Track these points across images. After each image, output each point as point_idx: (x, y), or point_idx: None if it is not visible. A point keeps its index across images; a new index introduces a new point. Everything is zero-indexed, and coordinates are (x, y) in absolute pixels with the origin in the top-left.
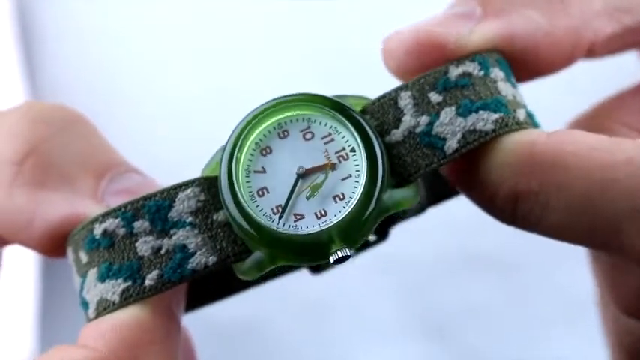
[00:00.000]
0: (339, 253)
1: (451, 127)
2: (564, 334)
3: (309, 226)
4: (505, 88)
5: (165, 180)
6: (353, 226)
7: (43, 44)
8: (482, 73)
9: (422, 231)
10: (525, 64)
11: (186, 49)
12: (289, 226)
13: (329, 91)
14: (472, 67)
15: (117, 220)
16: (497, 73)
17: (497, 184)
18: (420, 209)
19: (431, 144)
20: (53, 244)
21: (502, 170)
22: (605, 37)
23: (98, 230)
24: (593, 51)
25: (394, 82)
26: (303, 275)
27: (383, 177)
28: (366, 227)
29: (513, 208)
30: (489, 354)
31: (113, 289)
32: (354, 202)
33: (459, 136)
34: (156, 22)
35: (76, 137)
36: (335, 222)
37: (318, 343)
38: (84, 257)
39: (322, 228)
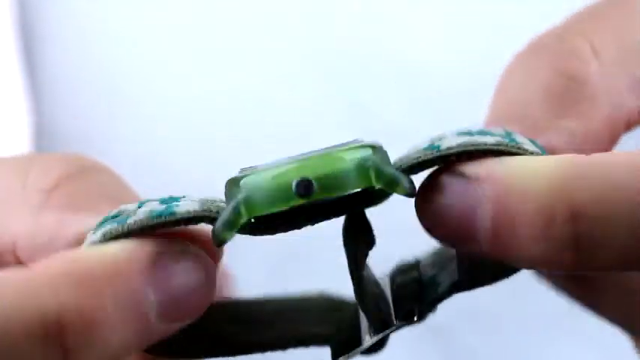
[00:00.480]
0: None
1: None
2: (562, 335)
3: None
4: None
5: (165, 180)
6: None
7: (43, 43)
8: None
9: (418, 232)
10: None
11: (187, 48)
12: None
13: (328, 92)
14: None
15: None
16: None
17: (553, 204)
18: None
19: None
20: None
21: (551, 190)
22: (638, 110)
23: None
24: (631, 125)
25: (393, 82)
26: (300, 276)
27: None
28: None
29: (574, 232)
30: (486, 355)
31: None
32: None
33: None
34: (157, 21)
35: (105, 181)
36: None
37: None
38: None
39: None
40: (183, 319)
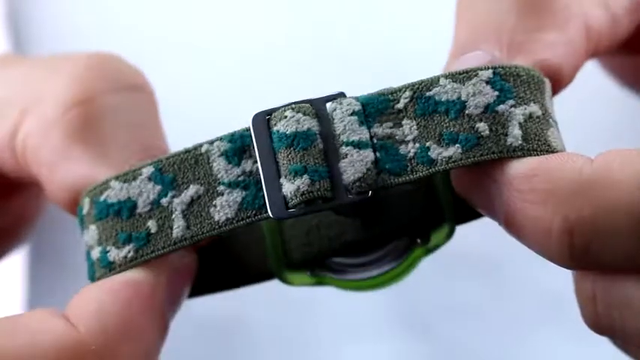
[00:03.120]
0: None
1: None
2: (549, 331)
3: None
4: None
5: None
6: None
7: (39, 42)
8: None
9: None
10: (560, 77)
11: (185, 46)
12: None
13: (329, 89)
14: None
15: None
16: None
17: (549, 218)
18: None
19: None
20: (68, 199)
21: (552, 201)
22: (606, 22)
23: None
24: (602, 38)
25: (391, 78)
26: None
27: None
28: None
29: (571, 243)
30: (473, 351)
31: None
32: None
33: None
34: (156, 20)
35: (133, 105)
36: None
37: (301, 340)
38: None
39: None
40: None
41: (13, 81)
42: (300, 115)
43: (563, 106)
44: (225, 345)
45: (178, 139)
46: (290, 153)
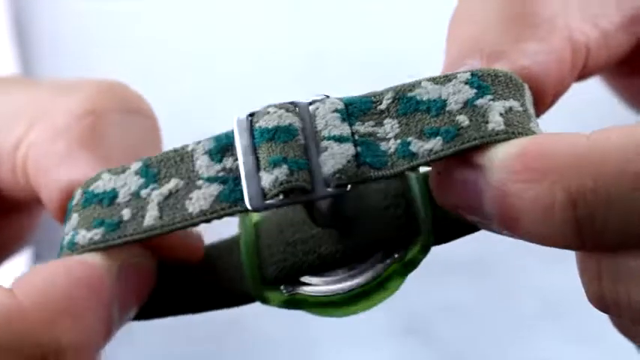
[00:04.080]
0: None
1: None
2: (543, 333)
3: None
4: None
5: None
6: None
7: (40, 43)
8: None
9: None
10: (543, 88)
11: (180, 50)
12: None
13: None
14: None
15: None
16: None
17: (550, 194)
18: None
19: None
20: (64, 200)
21: (551, 175)
22: (595, 37)
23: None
24: (591, 54)
25: (385, 81)
26: None
27: None
28: None
29: (575, 217)
30: (468, 353)
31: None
32: None
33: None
34: (156, 24)
35: (137, 127)
36: None
37: (296, 341)
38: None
39: None
40: (130, 318)
41: (21, 99)
42: (282, 111)
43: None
44: (221, 348)
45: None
46: (270, 146)
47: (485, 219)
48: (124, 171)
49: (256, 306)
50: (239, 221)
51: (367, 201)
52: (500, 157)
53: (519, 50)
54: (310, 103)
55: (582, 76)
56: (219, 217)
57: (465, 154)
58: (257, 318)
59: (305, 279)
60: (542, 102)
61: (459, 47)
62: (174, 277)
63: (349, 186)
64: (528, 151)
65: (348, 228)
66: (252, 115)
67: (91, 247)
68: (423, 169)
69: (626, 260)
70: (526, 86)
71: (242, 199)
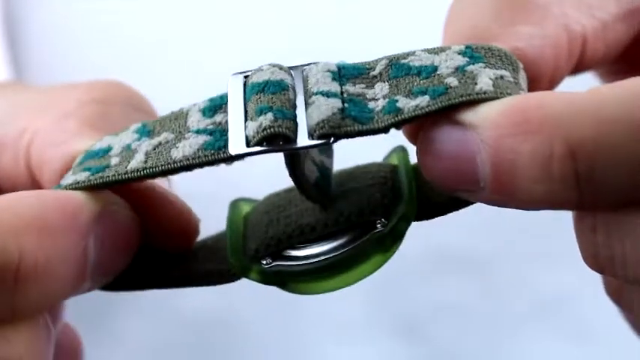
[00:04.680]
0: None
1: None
2: (535, 331)
3: None
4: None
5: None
6: None
7: (29, 39)
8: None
9: None
10: (538, 72)
11: (174, 47)
12: None
13: None
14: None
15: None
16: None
17: (548, 146)
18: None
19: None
20: (60, 173)
21: (549, 126)
22: (592, 27)
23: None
24: (587, 46)
25: None
26: None
27: None
28: None
29: (575, 169)
30: (460, 352)
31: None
32: None
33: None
34: (151, 24)
35: (140, 118)
36: None
37: (288, 339)
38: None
39: None
40: (110, 276)
41: (25, 97)
42: (275, 69)
43: None
44: (211, 345)
45: None
46: (259, 97)
47: (476, 186)
48: (123, 131)
49: (247, 306)
50: (228, 213)
51: (354, 182)
52: (494, 112)
53: (513, 33)
54: (305, 65)
55: (580, 68)
56: (201, 164)
57: (453, 115)
58: (248, 318)
59: (287, 253)
60: (537, 87)
61: (454, 33)
62: (156, 254)
63: (333, 139)
64: (523, 103)
65: (332, 203)
66: (247, 76)
67: (74, 186)
68: (413, 161)
69: (623, 214)
70: (521, 65)
71: (226, 147)
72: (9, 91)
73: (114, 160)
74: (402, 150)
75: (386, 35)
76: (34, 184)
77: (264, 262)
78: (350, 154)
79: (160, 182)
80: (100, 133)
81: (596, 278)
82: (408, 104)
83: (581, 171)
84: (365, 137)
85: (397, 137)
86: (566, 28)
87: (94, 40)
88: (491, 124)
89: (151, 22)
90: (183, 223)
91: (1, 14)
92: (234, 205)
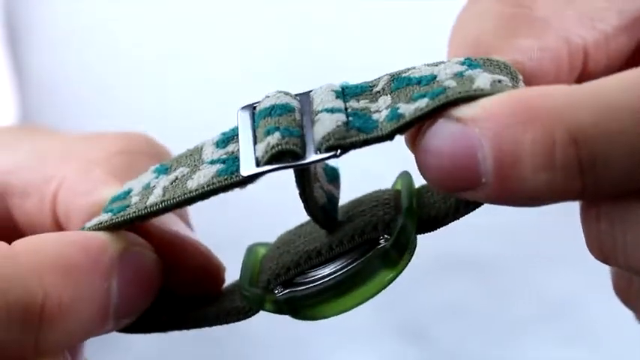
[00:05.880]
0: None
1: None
2: (540, 334)
3: None
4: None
5: None
6: None
7: (29, 42)
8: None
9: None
10: (538, 84)
11: (171, 48)
12: None
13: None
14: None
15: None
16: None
17: (551, 134)
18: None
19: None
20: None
21: (551, 115)
22: (593, 40)
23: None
24: (589, 58)
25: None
26: None
27: None
28: None
29: (578, 156)
30: (465, 355)
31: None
32: None
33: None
34: (143, 21)
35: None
36: None
37: (294, 343)
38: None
39: None
40: (131, 317)
41: (50, 143)
42: (281, 94)
43: None
44: (214, 348)
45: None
46: (267, 121)
47: (478, 182)
48: (142, 173)
49: None
50: (244, 256)
51: (359, 207)
52: (493, 103)
53: (513, 46)
54: (310, 91)
55: (582, 79)
56: (216, 190)
57: (452, 112)
58: (254, 321)
59: (298, 280)
60: None
61: (458, 46)
62: (175, 296)
63: (339, 151)
64: (523, 93)
65: (337, 227)
66: (254, 107)
67: (98, 227)
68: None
69: (626, 202)
70: (520, 77)
71: (238, 170)
72: (36, 136)
73: (134, 199)
74: (406, 175)
75: (386, 35)
76: (59, 230)
77: (277, 291)
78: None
79: (185, 231)
80: (124, 182)
81: (602, 282)
82: (408, 109)
83: (584, 158)
84: (372, 146)
85: (400, 141)
86: (566, 41)
87: (94, 44)
88: (490, 116)
89: (152, 26)
90: (206, 268)
91: (2, 16)
92: (251, 249)
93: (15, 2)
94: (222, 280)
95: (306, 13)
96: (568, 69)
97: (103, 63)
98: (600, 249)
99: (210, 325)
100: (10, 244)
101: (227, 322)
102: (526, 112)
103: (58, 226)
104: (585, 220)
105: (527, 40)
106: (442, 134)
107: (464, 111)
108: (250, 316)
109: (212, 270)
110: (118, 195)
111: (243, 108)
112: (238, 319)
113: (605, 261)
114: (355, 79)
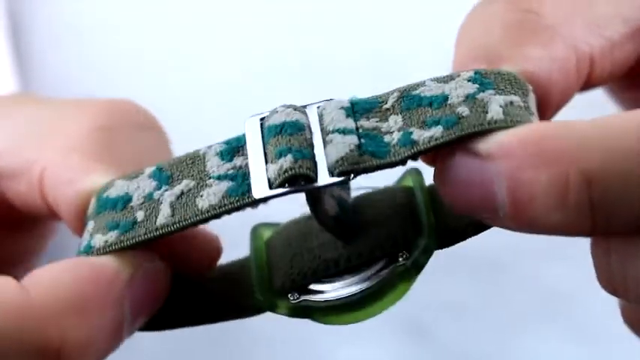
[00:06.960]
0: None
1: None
2: (545, 331)
3: None
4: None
5: None
6: None
7: (33, 38)
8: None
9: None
10: (547, 95)
11: (174, 44)
12: None
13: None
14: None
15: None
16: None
17: (564, 175)
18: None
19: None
20: (81, 210)
21: (566, 156)
22: (600, 47)
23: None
24: (595, 65)
25: (372, 84)
26: None
27: None
28: None
29: (590, 195)
30: (469, 351)
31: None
32: None
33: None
34: (145, 16)
35: (148, 141)
36: None
37: (297, 341)
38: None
39: None
40: (141, 325)
41: (29, 119)
42: (290, 110)
43: None
44: (220, 345)
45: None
46: (277, 139)
47: (494, 213)
48: (137, 175)
49: None
50: (250, 240)
51: (372, 212)
52: (509, 142)
53: (521, 55)
54: (318, 103)
55: (587, 86)
56: (228, 211)
57: (467, 145)
58: (258, 318)
59: (312, 287)
60: (546, 109)
61: (464, 53)
62: (185, 290)
63: (352, 175)
64: (537, 135)
65: (353, 236)
66: (263, 118)
67: (107, 249)
68: (428, 182)
69: (635, 241)
70: (530, 88)
71: (250, 191)
72: (14, 110)
73: (139, 215)
74: (416, 173)
75: (388, 35)
76: (53, 212)
77: (291, 297)
78: None
79: None
80: (106, 165)
81: None
82: (422, 135)
83: (595, 199)
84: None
85: None
86: (574, 49)
87: (97, 43)
88: (506, 154)
89: (155, 26)
90: (203, 244)
91: (5, 16)
92: (255, 231)
93: (18, 1)
94: (219, 252)
95: (307, 13)
96: (575, 76)
97: (106, 63)
98: (610, 282)
99: (221, 321)
100: (7, 223)
101: (238, 318)
102: (541, 155)
103: (51, 209)
104: (596, 253)
105: (535, 49)
106: (458, 167)
107: (480, 146)
108: (261, 313)
109: (208, 243)
110: (113, 199)
111: (251, 117)
112: (249, 316)
113: (614, 294)
114: (355, 79)
